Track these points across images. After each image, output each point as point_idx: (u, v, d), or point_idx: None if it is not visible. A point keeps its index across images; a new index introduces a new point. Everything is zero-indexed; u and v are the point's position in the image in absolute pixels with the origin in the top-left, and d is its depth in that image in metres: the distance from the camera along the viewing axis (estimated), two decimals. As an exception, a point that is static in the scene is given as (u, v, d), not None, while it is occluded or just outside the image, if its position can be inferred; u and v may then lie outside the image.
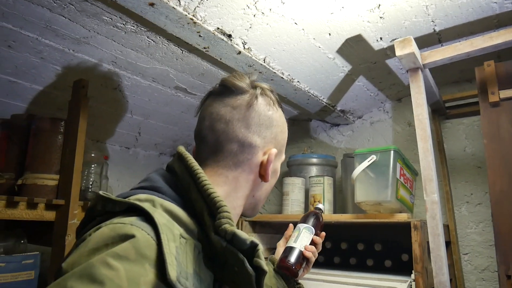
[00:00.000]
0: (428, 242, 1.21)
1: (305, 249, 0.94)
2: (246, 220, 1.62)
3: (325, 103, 1.73)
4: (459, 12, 1.17)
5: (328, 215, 1.42)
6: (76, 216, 1.27)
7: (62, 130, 1.34)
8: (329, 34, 1.26)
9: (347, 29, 1.25)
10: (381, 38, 1.31)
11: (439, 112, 1.67)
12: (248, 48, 1.24)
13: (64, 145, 1.33)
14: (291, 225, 1.05)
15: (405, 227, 1.21)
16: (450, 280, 1.03)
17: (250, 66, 1.34)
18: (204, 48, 1.20)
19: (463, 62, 1.36)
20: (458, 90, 1.70)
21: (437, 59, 1.09)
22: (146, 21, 1.08)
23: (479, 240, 1.57)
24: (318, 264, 1.58)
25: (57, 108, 1.63)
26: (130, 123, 1.92)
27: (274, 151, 0.72)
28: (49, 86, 1.46)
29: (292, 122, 2.16)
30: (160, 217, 0.54)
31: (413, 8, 1.16)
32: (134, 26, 1.14)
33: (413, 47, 1.04)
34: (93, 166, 1.65)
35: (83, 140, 1.32)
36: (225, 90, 0.72)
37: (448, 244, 1.54)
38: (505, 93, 1.14)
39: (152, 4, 0.96)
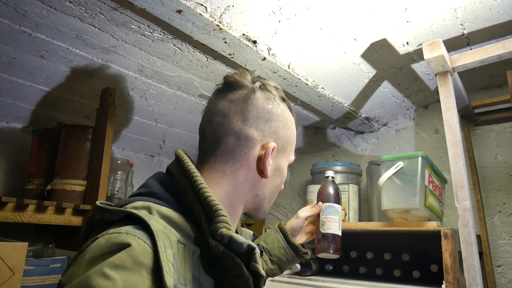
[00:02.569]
0: (459, 252, 1.16)
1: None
2: (269, 228, 1.60)
3: (350, 109, 1.71)
4: (489, 14, 1.14)
5: (354, 223, 1.39)
6: (102, 221, 1.29)
7: (90, 137, 1.37)
8: (355, 39, 1.25)
9: (372, 33, 1.23)
10: (407, 43, 1.29)
11: (469, 119, 1.62)
12: (272, 54, 1.24)
13: (91, 152, 1.36)
14: (320, 203, 1.03)
15: (434, 236, 1.17)
16: (484, 292, 0.99)
17: (275, 72, 1.34)
18: (230, 54, 1.21)
19: (492, 67, 1.32)
20: (488, 95, 1.65)
21: (467, 62, 1.06)
22: (173, 29, 1.10)
23: (513, 251, 1.50)
24: (342, 274, 1.55)
25: (85, 116, 1.67)
26: (154, 131, 1.95)
27: (272, 144, 0.69)
28: (78, 94, 1.50)
29: (316, 130, 2.15)
30: (157, 224, 0.54)
31: (440, 11, 1.14)
32: (161, 34, 1.16)
33: (442, 50, 1.02)
34: (119, 173, 1.68)
35: (110, 147, 1.35)
36: (227, 86, 0.73)
37: (480, 255, 1.48)
38: (540, 97, 1.10)
39: (179, 11, 0.98)
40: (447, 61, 1.05)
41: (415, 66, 1.45)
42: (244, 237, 0.57)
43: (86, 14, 1.05)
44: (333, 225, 0.98)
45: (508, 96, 1.50)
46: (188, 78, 1.47)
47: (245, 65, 1.29)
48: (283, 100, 0.76)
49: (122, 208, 0.57)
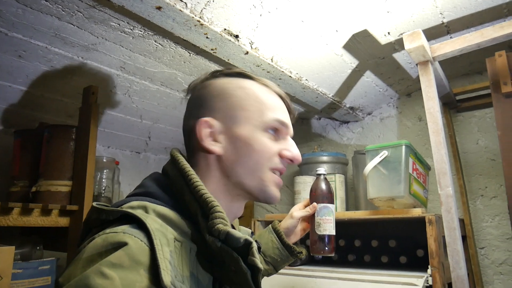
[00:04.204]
0: (443, 237, 1.19)
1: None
2: (258, 220, 1.62)
3: (334, 100, 1.72)
4: (468, 3, 1.16)
5: (341, 213, 1.41)
6: (90, 221, 1.28)
7: (73, 137, 1.35)
8: (336, 30, 1.25)
9: (353, 24, 1.24)
10: (388, 33, 1.30)
11: (450, 106, 1.65)
12: (255, 48, 1.24)
13: (76, 152, 1.34)
14: (315, 204, 1.01)
15: (419, 222, 1.20)
16: (467, 275, 1.01)
17: (258, 66, 1.34)
18: (212, 49, 1.21)
19: (472, 54, 1.35)
20: (469, 82, 1.68)
21: (447, 51, 1.07)
22: (153, 25, 1.08)
23: (495, 233, 1.54)
24: (332, 262, 1.58)
25: (68, 116, 1.65)
26: (140, 128, 1.94)
27: (202, 119, 0.67)
28: (59, 94, 1.48)
29: (301, 121, 2.16)
30: (153, 223, 0.54)
31: (420, 1, 1.15)
32: (141, 31, 1.15)
33: (422, 40, 1.03)
34: (105, 171, 1.67)
35: (95, 146, 1.33)
36: (189, 92, 0.78)
37: (464, 238, 1.52)
38: (518, 83, 1.12)
39: (159, 8, 0.97)
40: (427, 51, 1.06)
41: (397, 56, 1.47)
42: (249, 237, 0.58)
43: (63, 12, 1.03)
44: (329, 226, 0.99)
45: (487, 82, 1.53)
46: (171, 73, 1.46)
47: (228, 60, 1.28)
48: (224, 74, 0.74)
49: (118, 208, 0.57)
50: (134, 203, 0.59)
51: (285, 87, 1.55)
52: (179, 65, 1.39)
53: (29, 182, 1.33)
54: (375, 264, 1.47)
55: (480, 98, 1.61)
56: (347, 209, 1.60)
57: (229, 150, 0.67)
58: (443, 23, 1.26)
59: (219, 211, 0.58)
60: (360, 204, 1.61)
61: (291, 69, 1.42)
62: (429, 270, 1.14)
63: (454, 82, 1.69)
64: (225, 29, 1.12)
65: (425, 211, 1.28)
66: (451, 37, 1.34)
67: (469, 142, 1.66)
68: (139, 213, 0.55)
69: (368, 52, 1.41)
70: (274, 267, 1.01)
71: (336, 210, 1.49)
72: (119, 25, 1.11)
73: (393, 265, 1.41)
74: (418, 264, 1.32)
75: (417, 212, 1.22)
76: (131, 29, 1.14)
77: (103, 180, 1.67)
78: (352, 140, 2.03)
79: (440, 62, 1.36)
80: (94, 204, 0.61)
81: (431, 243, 1.14)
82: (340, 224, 1.39)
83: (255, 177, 0.68)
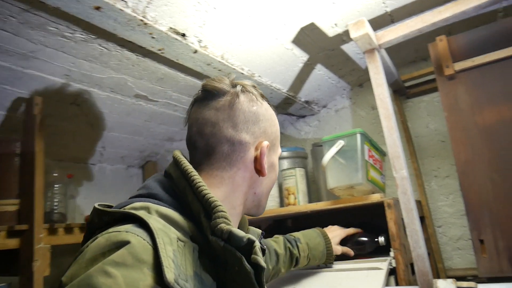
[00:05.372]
0: (402, 219, 1.23)
1: None
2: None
3: (288, 95, 1.73)
4: (406, -9, 1.20)
5: (304, 206, 1.41)
6: (42, 240, 1.21)
7: (18, 151, 1.27)
8: (284, 24, 1.25)
9: (300, 17, 1.25)
10: (336, 25, 1.32)
11: (400, 93, 1.70)
12: (204, 46, 1.22)
13: (21, 167, 1.26)
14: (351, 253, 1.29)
15: (379, 207, 1.22)
16: (428, 254, 1.05)
17: (208, 65, 1.32)
18: (159, 50, 1.17)
19: (417, 41, 1.39)
20: (415, 69, 1.74)
21: (391, 38, 1.10)
22: (94, 28, 1.04)
23: (450, 211, 1.61)
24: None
25: (11, 130, 1.54)
26: (92, 138, 1.86)
27: (265, 143, 0.73)
28: (0, 107, 1.39)
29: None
30: (155, 222, 0.55)
31: (362, -9, 1.18)
32: (83, 34, 1.09)
33: (367, 28, 1.05)
34: (56, 186, 1.58)
35: (42, 160, 1.26)
36: (207, 94, 0.73)
37: (422, 219, 1.57)
38: (459, 65, 1.18)
39: (98, 8, 0.93)
40: (373, 39, 1.09)
41: (345, 47, 1.49)
42: (253, 236, 0.58)
43: (-7, 18, 0.96)
44: None
45: (432, 67, 1.59)
46: (120, 78, 1.41)
47: (177, 60, 1.25)
48: (263, 97, 0.79)
49: (121, 209, 0.58)
50: (137, 204, 0.60)
51: (239, 84, 1.53)
52: (127, 69, 1.34)
53: (-29, 204, 1.23)
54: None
55: (427, 84, 1.68)
56: (310, 201, 1.61)
57: (267, 171, 0.75)
58: (386, 12, 1.30)
59: (222, 211, 0.59)
60: (322, 196, 1.63)
61: (242, 66, 1.41)
62: (391, 253, 1.17)
63: (402, 69, 1.75)
64: (170, 28, 1.09)
65: (384, 196, 1.31)
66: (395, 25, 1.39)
67: (420, 127, 1.72)
68: (141, 213, 0.56)
69: (318, 44, 1.43)
70: (306, 264, 1.17)
71: (299, 203, 1.50)
72: (58, 29, 1.05)
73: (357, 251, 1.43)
74: (381, 248, 1.35)
75: (376, 197, 1.25)
76: (71, 33, 1.08)
77: (56, 195, 1.58)
78: (309, 134, 2.05)
79: (387, 50, 1.41)
80: (96, 205, 0.61)
81: (392, 226, 1.17)
82: (303, 217, 1.40)
83: (268, 196, 0.80)
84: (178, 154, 0.71)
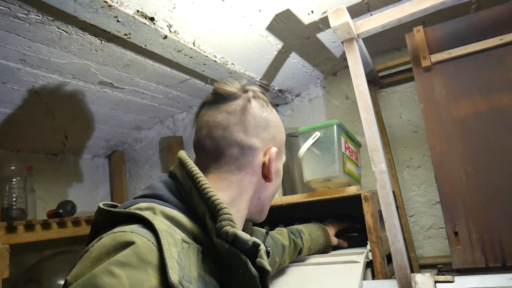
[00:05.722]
0: (379, 211, 1.22)
1: None
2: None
3: (262, 83, 1.68)
4: (385, -21, 1.17)
5: (279, 198, 1.38)
6: (0, 239, 1.12)
7: (-32, 144, 1.16)
8: (260, 10, 1.19)
9: (276, 3, 1.19)
10: (312, 12, 1.27)
11: (374, 82, 1.69)
12: (174, 32, 1.14)
13: (-27, 161, 1.15)
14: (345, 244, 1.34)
15: (354, 199, 1.21)
16: (403, 244, 1.05)
17: (179, 51, 1.24)
18: (125, 35, 1.09)
19: (392, 31, 1.37)
20: (389, 59, 1.73)
21: (370, 27, 1.07)
22: (52, 8, 0.94)
23: (422, 201, 1.63)
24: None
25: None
26: (53, 127, 1.74)
27: (274, 149, 0.74)
28: None
29: (231, 108, 2.10)
30: (161, 223, 0.55)
31: (341, -23, 1.13)
32: (38, 15, 0.99)
33: (347, 17, 1.01)
34: (14, 180, 1.47)
35: (-4, 152, 1.15)
36: (218, 97, 0.74)
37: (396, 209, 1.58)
38: (436, 57, 1.16)
39: (55, -13, 0.83)
40: (352, 28, 1.05)
41: (321, 35, 1.45)
42: (257, 236, 0.61)
43: None
44: None
45: (406, 58, 1.59)
46: (83, 64, 1.31)
47: (145, 46, 1.17)
48: (272, 104, 0.80)
49: (126, 210, 0.58)
50: (142, 204, 0.60)
51: (211, 72, 1.47)
52: (90, 54, 1.24)
53: None
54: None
55: (400, 74, 1.67)
56: (284, 193, 1.58)
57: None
58: (363, 0, 1.26)
59: (227, 213, 0.59)
60: (297, 187, 1.60)
61: (215, 53, 1.34)
62: (368, 246, 1.16)
63: (375, 59, 1.74)
64: (138, 11, 1.01)
65: (360, 188, 1.30)
66: (371, 14, 1.36)
67: (393, 117, 1.72)
68: (146, 214, 0.56)
69: (293, 32, 1.38)
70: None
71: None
72: (9, 9, 0.95)
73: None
74: (357, 238, 1.35)
75: (352, 190, 1.23)
76: (25, 14, 0.98)
77: (14, 189, 1.47)
78: (283, 123, 2.01)
79: (362, 39, 1.38)
80: (101, 205, 0.61)
81: (368, 219, 1.16)
82: (278, 209, 1.37)
83: (270, 202, 0.81)
84: (183, 155, 0.71)
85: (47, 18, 1.00)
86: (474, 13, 1.26)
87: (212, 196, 0.61)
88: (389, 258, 1.22)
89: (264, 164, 0.73)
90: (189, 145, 2.18)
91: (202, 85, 1.66)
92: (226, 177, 0.70)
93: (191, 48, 1.23)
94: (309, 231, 1.23)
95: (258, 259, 0.58)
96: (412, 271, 1.07)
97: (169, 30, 1.12)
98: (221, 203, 0.61)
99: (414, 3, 1.04)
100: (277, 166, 0.78)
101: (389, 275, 1.19)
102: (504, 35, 1.12)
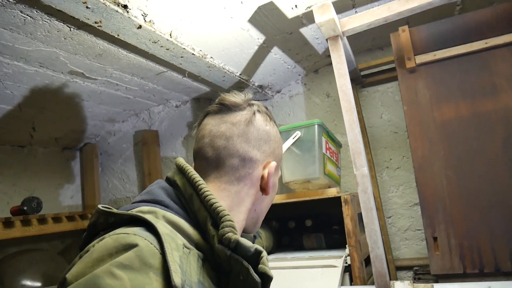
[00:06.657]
0: (358, 214, 1.19)
1: None
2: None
3: (242, 78, 1.62)
4: (372, -25, 1.13)
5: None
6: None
7: None
8: (241, 2, 1.14)
9: (259, -4, 1.14)
10: (296, 6, 1.22)
11: (356, 81, 1.66)
12: (149, 21, 1.07)
13: None
14: None
15: (333, 200, 1.18)
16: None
17: (155, 43, 1.17)
18: (96, 23, 1.01)
19: (375, 30, 1.34)
20: (372, 58, 1.71)
21: (355, 25, 1.03)
22: (13, -9, 0.86)
23: (400, 202, 1.62)
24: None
25: None
26: (20, 118, 1.64)
27: (274, 164, 0.74)
28: None
29: (209, 102, 2.03)
30: (163, 228, 0.55)
31: (327, -28, 1.08)
32: (-1, -2, 0.91)
33: (333, 13, 0.97)
34: (-26, 174, 1.37)
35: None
36: (224, 108, 0.74)
37: (373, 211, 1.56)
38: (421, 58, 1.14)
39: (15, -33, 0.75)
40: (337, 25, 1.01)
41: (304, 31, 1.41)
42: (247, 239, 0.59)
43: None
44: None
45: (389, 57, 1.56)
46: (51, 52, 1.22)
47: (118, 35, 1.09)
48: (274, 120, 0.81)
49: (129, 212, 0.58)
50: (144, 208, 0.60)
51: (188, 66, 1.40)
52: (58, 42, 1.16)
53: None
54: (294, 246, 1.45)
55: (382, 73, 1.65)
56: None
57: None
58: (349, -4, 1.23)
59: (229, 220, 0.60)
60: (275, 186, 1.56)
61: (193, 46, 1.28)
62: (347, 250, 1.13)
63: (358, 57, 1.71)
64: (110, -2, 0.93)
65: (340, 190, 1.27)
66: (356, 12, 1.32)
67: (374, 117, 1.70)
68: (149, 217, 0.56)
69: (276, 26, 1.32)
70: None
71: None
72: (-35, -11, 0.86)
73: (312, 244, 1.39)
74: (335, 240, 1.32)
75: (332, 192, 1.20)
76: (-16, -4, 0.89)
77: (-26, 184, 1.38)
78: (263, 120, 1.97)
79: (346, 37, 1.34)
80: (100, 207, 0.61)
81: (348, 223, 1.13)
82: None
83: (264, 215, 0.80)
84: (182, 161, 0.71)
85: (7, 0, 0.92)
86: (459, 15, 1.24)
87: (215, 203, 0.62)
88: (367, 261, 1.19)
89: (262, 177, 0.74)
90: (164, 139, 2.11)
91: (180, 78, 1.59)
92: (225, 187, 0.70)
93: (167, 39, 1.16)
94: (263, 231, 1.30)
95: (260, 265, 0.59)
96: (389, 273, 1.05)
97: (144, 19, 1.05)
98: (223, 210, 0.61)
99: (402, 2, 1.01)
100: (274, 180, 0.79)
101: (366, 278, 1.17)
102: (489, 39, 1.10)
